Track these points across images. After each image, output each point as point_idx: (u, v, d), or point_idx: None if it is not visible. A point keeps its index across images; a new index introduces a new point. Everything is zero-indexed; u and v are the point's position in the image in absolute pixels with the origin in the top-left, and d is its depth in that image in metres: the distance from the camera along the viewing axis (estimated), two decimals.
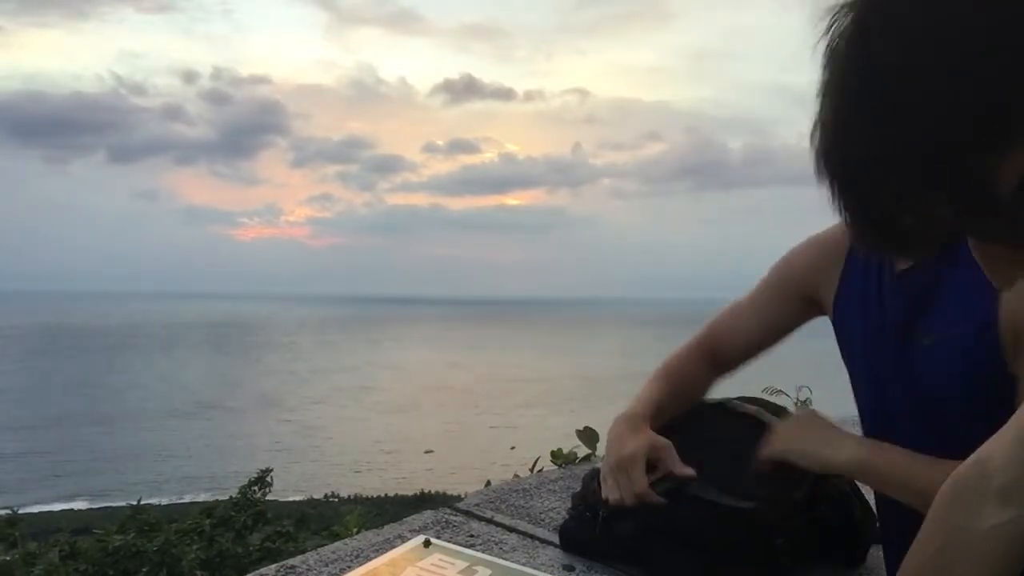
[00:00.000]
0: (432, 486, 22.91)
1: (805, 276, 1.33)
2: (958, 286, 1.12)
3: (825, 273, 1.30)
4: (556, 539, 1.40)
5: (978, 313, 1.07)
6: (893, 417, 1.22)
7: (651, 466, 1.27)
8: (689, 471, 1.25)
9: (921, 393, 1.16)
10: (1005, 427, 0.68)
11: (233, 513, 5.34)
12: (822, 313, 1.35)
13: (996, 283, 0.57)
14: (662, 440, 1.29)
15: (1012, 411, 1.05)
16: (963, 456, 1.04)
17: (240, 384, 54.18)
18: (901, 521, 1.20)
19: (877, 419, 1.27)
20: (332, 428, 38.25)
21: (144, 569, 4.35)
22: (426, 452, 31.50)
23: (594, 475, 1.38)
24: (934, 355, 1.13)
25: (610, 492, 1.25)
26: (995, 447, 0.67)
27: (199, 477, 26.78)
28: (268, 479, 6.30)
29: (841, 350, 1.32)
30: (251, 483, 6.06)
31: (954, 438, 1.05)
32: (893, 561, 1.26)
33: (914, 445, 1.16)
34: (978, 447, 0.94)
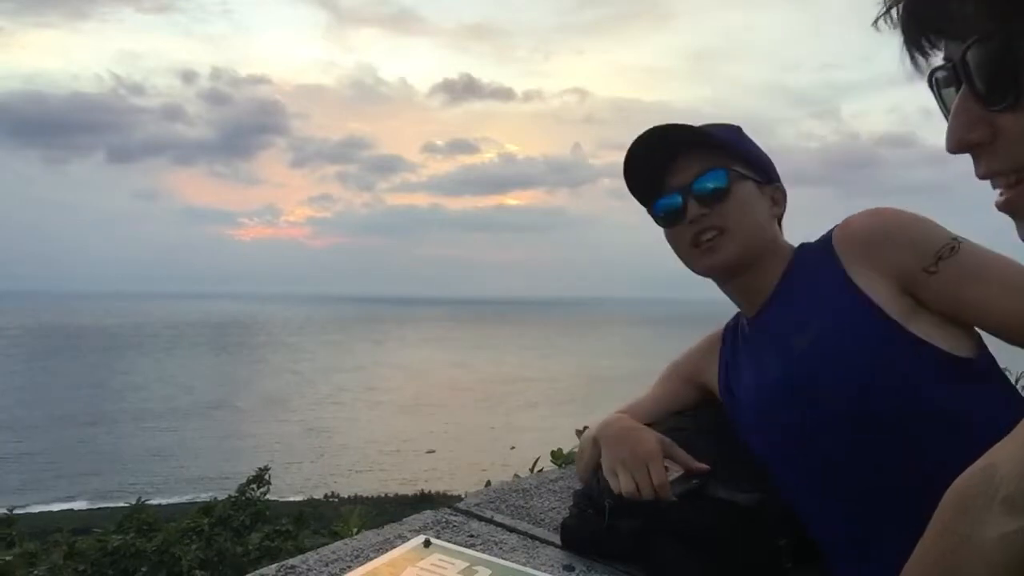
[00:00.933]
0: (432, 486, 22.94)
1: (690, 366, 1.54)
2: (804, 293, 1.26)
3: (707, 360, 1.50)
4: (556, 539, 1.40)
5: (835, 300, 1.20)
6: (789, 442, 1.26)
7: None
8: (703, 465, 1.28)
9: (808, 391, 1.21)
10: (1011, 434, 0.67)
11: (232, 512, 5.33)
12: (711, 395, 1.50)
13: (947, 143, 0.58)
14: (667, 438, 1.32)
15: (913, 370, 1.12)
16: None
17: (240, 384, 54.23)
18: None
19: (776, 454, 1.30)
20: (333, 429, 38.27)
21: (143, 569, 4.34)
22: (428, 452, 31.55)
23: (597, 470, 1.37)
24: (812, 352, 1.21)
25: (624, 485, 1.25)
26: (1001, 455, 0.66)
27: (200, 477, 26.80)
28: (267, 477, 6.28)
29: (735, 422, 1.40)
30: (249, 481, 6.04)
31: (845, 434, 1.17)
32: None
33: (818, 463, 1.23)
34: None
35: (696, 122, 1.36)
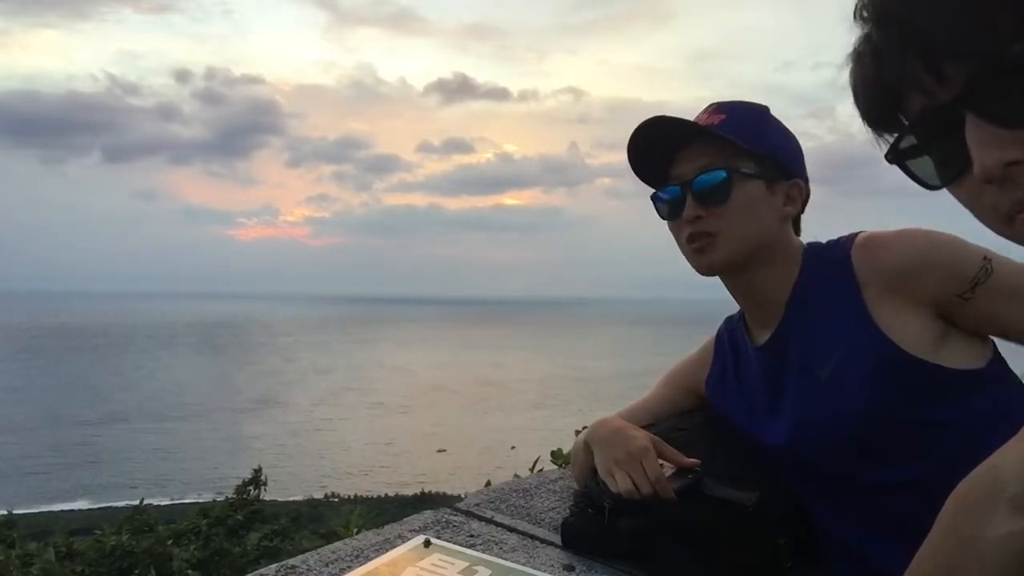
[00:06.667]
0: (433, 486, 22.96)
1: (687, 374, 1.55)
2: (820, 314, 1.23)
3: (702, 368, 1.51)
4: (556, 539, 1.39)
5: (853, 333, 1.18)
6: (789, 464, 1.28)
7: None
8: (694, 460, 1.28)
9: (828, 421, 1.20)
10: (1017, 436, 0.67)
11: (230, 513, 5.33)
12: (703, 399, 1.51)
13: (981, 170, 0.56)
14: (656, 436, 1.32)
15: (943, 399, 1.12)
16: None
17: (242, 385, 54.17)
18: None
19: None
20: (333, 429, 38.25)
21: (136, 570, 4.35)
22: (439, 451, 31.63)
23: (594, 473, 1.37)
24: (832, 385, 1.20)
25: (622, 485, 1.25)
26: (1007, 456, 0.66)
27: (202, 478, 26.77)
28: (262, 478, 6.29)
29: (735, 428, 1.41)
30: (246, 483, 6.06)
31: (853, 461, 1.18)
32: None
33: (814, 482, 1.26)
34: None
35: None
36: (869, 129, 0.66)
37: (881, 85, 0.62)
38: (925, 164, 0.62)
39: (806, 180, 1.31)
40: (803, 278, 1.26)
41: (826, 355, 1.21)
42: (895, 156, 0.64)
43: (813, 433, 1.22)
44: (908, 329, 1.14)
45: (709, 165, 1.24)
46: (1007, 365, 1.20)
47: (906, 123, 0.63)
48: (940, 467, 1.08)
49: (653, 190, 1.34)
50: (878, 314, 1.16)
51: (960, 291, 1.11)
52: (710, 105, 1.30)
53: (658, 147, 1.30)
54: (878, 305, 1.17)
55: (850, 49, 0.65)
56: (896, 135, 0.64)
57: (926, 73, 0.57)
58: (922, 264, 1.14)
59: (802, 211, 1.32)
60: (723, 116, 1.26)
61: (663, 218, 1.33)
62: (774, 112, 1.32)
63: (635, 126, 1.28)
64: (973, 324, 1.15)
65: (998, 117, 0.54)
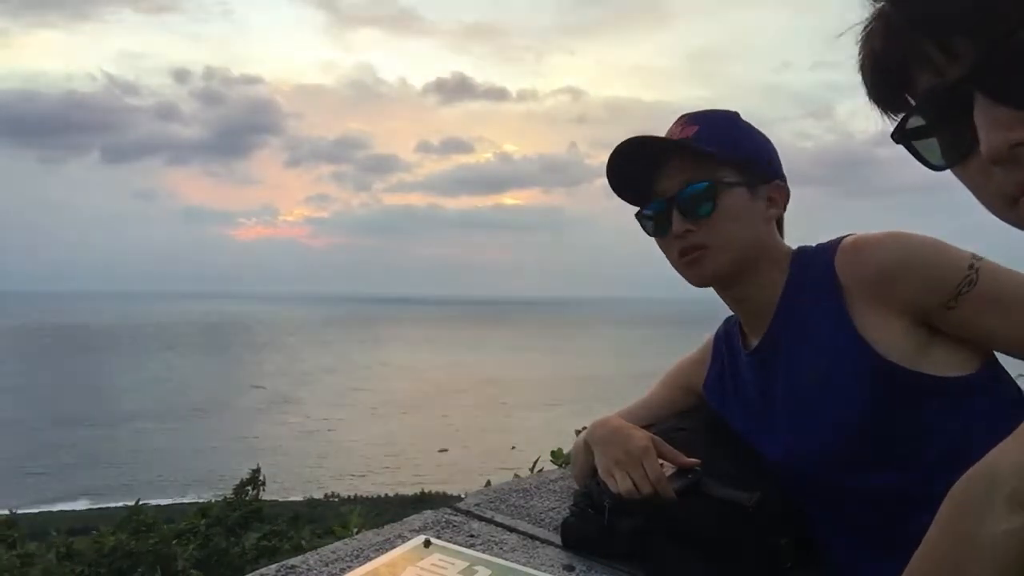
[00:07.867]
0: (433, 486, 22.98)
1: (685, 371, 1.55)
2: (806, 322, 1.22)
3: (701, 367, 1.51)
4: (556, 539, 1.39)
5: (834, 339, 1.17)
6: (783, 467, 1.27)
7: None
8: (694, 460, 1.27)
9: (812, 428, 1.20)
10: (1013, 434, 0.67)
11: (229, 513, 5.34)
12: (703, 399, 1.51)
13: (989, 151, 0.55)
14: (656, 436, 1.32)
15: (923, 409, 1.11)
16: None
17: (241, 385, 54.19)
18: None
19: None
20: (333, 429, 38.26)
21: (139, 569, 4.34)
22: (440, 451, 31.71)
23: (595, 473, 1.37)
24: (815, 392, 1.20)
25: (622, 485, 1.25)
26: (1005, 452, 0.66)
27: (202, 478, 26.78)
28: (260, 478, 6.29)
29: (735, 428, 1.41)
30: (244, 483, 6.06)
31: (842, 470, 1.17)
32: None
33: (809, 488, 1.24)
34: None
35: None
36: (875, 107, 0.66)
37: (891, 61, 0.61)
38: (931, 145, 0.62)
39: (784, 180, 1.31)
40: (791, 284, 1.26)
41: (811, 363, 1.21)
42: (901, 136, 0.63)
43: (800, 442, 1.22)
44: (890, 336, 1.13)
45: (691, 179, 1.24)
46: (1002, 371, 1.17)
47: (913, 103, 0.63)
48: (927, 475, 1.08)
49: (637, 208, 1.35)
50: (860, 321, 1.15)
51: (943, 300, 1.09)
52: (681, 117, 1.31)
53: (638, 166, 1.30)
54: (860, 312, 1.16)
55: (862, 25, 0.64)
56: (903, 115, 0.63)
57: (936, 49, 0.57)
58: (900, 270, 1.12)
59: (783, 211, 1.33)
60: (696, 128, 1.27)
61: (650, 235, 1.34)
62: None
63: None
64: (959, 333, 1.12)
65: (1007, 97, 0.54)
